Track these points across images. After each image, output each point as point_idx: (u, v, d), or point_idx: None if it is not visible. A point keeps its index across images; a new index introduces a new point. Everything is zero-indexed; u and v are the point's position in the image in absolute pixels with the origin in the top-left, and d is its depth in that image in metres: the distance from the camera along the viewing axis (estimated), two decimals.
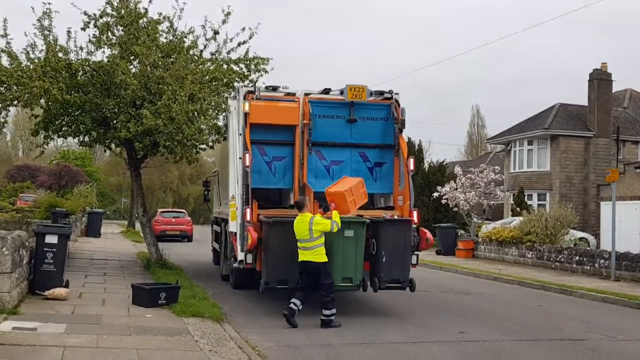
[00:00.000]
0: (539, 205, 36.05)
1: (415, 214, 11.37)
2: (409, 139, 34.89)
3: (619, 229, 31.41)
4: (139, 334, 8.12)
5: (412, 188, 11.61)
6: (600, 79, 36.97)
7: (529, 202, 35.52)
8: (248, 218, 10.83)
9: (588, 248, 21.94)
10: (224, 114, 14.89)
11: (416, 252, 11.21)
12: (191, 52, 15.60)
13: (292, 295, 9.91)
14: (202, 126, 14.09)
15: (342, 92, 11.89)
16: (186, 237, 31.28)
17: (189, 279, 13.85)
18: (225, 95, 14.85)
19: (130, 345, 7.53)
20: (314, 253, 9.76)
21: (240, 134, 11.72)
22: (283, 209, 11.87)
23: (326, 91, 12.07)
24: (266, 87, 12.04)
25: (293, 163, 11.94)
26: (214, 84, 14.98)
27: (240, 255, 11.30)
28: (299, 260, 9.87)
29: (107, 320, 8.84)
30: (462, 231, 27.85)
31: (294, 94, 12.09)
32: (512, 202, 35.84)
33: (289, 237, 10.22)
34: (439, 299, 13.37)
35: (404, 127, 12.12)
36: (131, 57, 14.92)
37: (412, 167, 11.68)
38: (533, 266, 21.59)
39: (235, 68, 15.63)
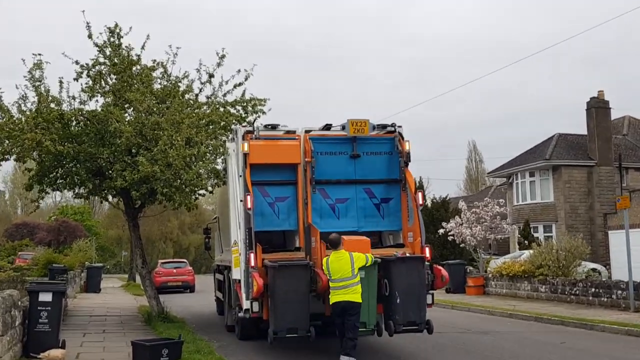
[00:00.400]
0: (545, 237, 35.43)
1: (427, 250, 10.82)
2: None
3: (632, 258, 30.91)
4: None
5: (422, 223, 11.08)
6: (598, 107, 36.80)
7: (535, 235, 34.91)
8: (252, 263, 10.26)
9: (603, 279, 21.23)
10: (222, 157, 14.48)
11: (431, 291, 10.61)
12: (186, 96, 15.28)
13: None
14: (200, 170, 13.63)
15: (343, 128, 11.48)
16: (188, 287, 30.51)
17: (192, 332, 13.19)
18: (223, 138, 14.45)
19: None
20: (354, 292, 9.30)
21: (240, 176, 11.26)
22: (288, 251, 11.32)
23: (327, 127, 11.65)
24: (265, 126, 11.63)
25: (297, 203, 11.44)
26: (210, 127, 14.59)
27: (246, 304, 10.70)
28: (337, 301, 9.29)
29: None
30: (470, 267, 27.17)
31: (294, 132, 11.67)
32: (519, 235, 35.24)
33: (297, 282, 9.66)
34: (457, 340, 12.68)
35: (410, 161, 11.65)
36: (125, 105, 14.59)
37: (421, 201, 11.17)
38: (547, 300, 20.87)
39: (232, 110, 15.28)
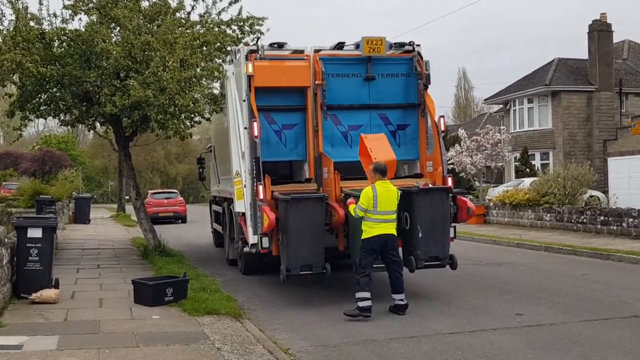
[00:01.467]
0: (542, 164, 34.89)
1: (450, 180, 10.00)
2: None
3: (629, 185, 30.50)
4: (148, 344, 6.71)
5: (444, 152, 10.21)
6: (600, 30, 35.58)
7: (532, 162, 34.34)
8: (261, 196, 9.38)
9: (609, 206, 20.68)
10: (218, 82, 13.37)
11: (453, 225, 9.84)
12: (177, 14, 13.99)
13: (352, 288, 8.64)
14: (196, 95, 12.53)
15: (357, 47, 10.40)
16: (180, 218, 29.82)
17: (193, 267, 12.45)
18: (218, 60, 13.29)
19: None
20: (394, 226, 8.57)
21: (244, 101, 10.24)
22: (298, 183, 10.45)
23: (339, 46, 10.56)
24: (270, 45, 10.50)
25: (306, 131, 10.49)
26: (205, 48, 13.38)
27: (253, 239, 9.92)
28: (381, 233, 8.40)
29: (107, 327, 7.42)
30: (470, 196, 26.58)
31: (302, 51, 10.59)
32: (516, 163, 34.63)
33: (312, 216, 8.85)
34: (472, 273, 12.06)
35: (429, 83, 10.66)
36: (111, 24, 13.31)
37: (442, 127, 10.26)
38: (552, 229, 20.39)
39: (227, 31, 14.03)
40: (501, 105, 40.55)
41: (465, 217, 9.89)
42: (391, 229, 8.50)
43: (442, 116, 10.27)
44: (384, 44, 10.33)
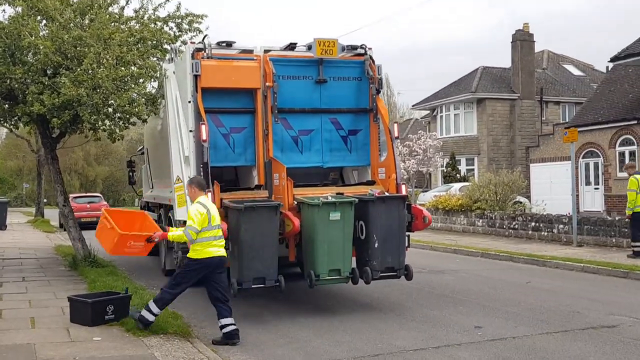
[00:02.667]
0: (467, 170, 35.64)
1: (403, 188, 9.75)
2: None
3: (551, 191, 31.56)
4: None
5: (398, 159, 9.95)
6: (523, 40, 36.76)
7: (458, 168, 35.00)
8: None
9: (540, 212, 21.16)
10: (154, 82, 12.66)
11: (407, 234, 9.59)
12: (110, 9, 13.16)
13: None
14: (133, 95, 11.76)
15: (309, 48, 9.98)
16: None
17: (129, 279, 11.67)
18: (154, 59, 12.56)
19: None
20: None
21: (190, 102, 9.64)
22: (247, 190, 9.91)
23: (291, 47, 10.11)
24: (218, 44, 9.91)
25: (255, 134, 9.98)
26: (139, 46, 12.61)
27: None
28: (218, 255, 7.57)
29: (45, 353, 6.65)
30: None
31: (251, 51, 10.08)
32: (442, 169, 35.20)
33: (266, 226, 8.36)
34: (419, 281, 11.85)
35: (382, 88, 10.40)
36: (38, 17, 12.33)
37: (396, 133, 10.01)
38: (484, 234, 20.68)
39: (165, 28, 13.31)
40: (428, 111, 41.21)
41: (421, 226, 9.66)
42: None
43: (396, 122, 10.01)
44: (336, 46, 9.97)
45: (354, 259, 9.17)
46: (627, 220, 14.99)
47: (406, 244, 9.41)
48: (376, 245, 8.88)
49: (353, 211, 8.79)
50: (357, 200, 8.85)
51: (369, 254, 8.93)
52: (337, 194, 9.34)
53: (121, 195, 65.47)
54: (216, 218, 7.59)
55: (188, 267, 7.65)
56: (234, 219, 8.52)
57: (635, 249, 14.09)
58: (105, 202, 30.32)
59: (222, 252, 7.62)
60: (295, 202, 9.07)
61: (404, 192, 9.65)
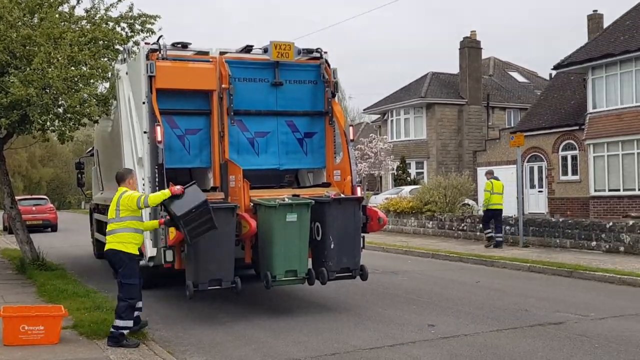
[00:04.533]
0: (417, 173, 36.21)
1: (359, 190, 9.90)
2: None
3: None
4: None
5: (354, 161, 10.10)
6: (470, 47, 37.58)
7: (408, 171, 35.51)
8: None
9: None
10: (105, 82, 12.50)
11: (363, 235, 9.73)
12: (61, 8, 12.92)
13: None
14: (84, 95, 11.57)
15: (265, 51, 10.03)
16: (50, 226, 27.83)
17: (79, 283, 11.46)
18: (104, 59, 12.40)
19: None
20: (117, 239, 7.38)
21: (144, 103, 9.56)
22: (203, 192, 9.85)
23: (247, 49, 10.14)
24: (173, 45, 9.85)
25: (211, 136, 9.97)
26: (90, 46, 12.41)
27: (152, 252, 9.30)
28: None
29: None
30: None
31: (207, 53, 10.06)
32: (393, 172, 35.65)
33: (222, 228, 8.34)
34: (373, 282, 11.97)
35: (337, 91, 10.53)
36: None
37: (352, 136, 10.15)
38: (434, 236, 21.10)
39: (117, 28, 13.14)
40: (379, 116, 41.69)
41: (376, 227, 9.82)
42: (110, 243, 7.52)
43: (352, 125, 10.16)
44: (292, 49, 10.05)
45: (309, 260, 9.26)
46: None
47: (361, 245, 9.55)
48: (332, 246, 8.99)
49: (310, 213, 8.88)
50: (313, 202, 8.95)
51: (325, 254, 9.03)
52: (294, 195, 9.43)
53: (66, 198, 63.92)
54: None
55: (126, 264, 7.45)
56: None
57: (487, 235, 17.62)
58: (52, 205, 29.63)
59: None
60: (252, 204, 9.11)
61: (359, 194, 9.80)
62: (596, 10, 33.18)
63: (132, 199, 7.30)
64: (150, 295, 10.76)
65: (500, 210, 17.46)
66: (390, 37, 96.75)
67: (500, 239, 17.27)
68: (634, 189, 24.13)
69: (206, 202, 7.77)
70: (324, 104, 10.48)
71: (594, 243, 15.84)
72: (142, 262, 9.82)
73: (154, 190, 9.17)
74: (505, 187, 31.31)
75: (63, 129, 12.37)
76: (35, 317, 7.15)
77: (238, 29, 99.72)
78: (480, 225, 18.66)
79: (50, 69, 10.79)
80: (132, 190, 7.51)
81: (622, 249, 15.16)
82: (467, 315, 9.02)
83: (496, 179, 17.87)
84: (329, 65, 10.47)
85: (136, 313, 7.55)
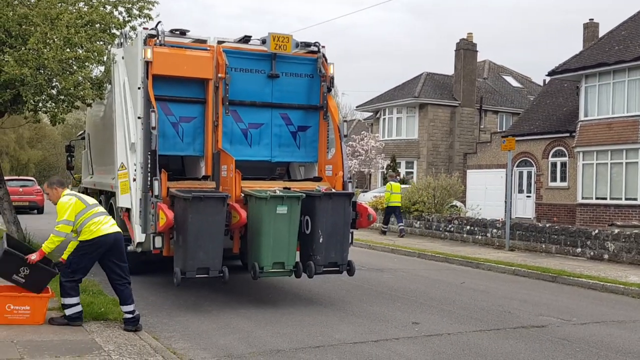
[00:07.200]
0: (407, 172, 36.30)
1: (350, 185, 9.94)
2: None
3: (485, 197, 32.56)
4: (34, 355, 5.95)
5: (345, 156, 10.13)
6: (466, 49, 37.66)
7: (398, 170, 35.61)
8: (157, 192, 8.76)
9: (475, 217, 21.82)
10: (99, 66, 12.45)
11: (352, 230, 9.78)
12: None
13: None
14: (79, 78, 11.52)
15: (264, 42, 10.04)
16: (36, 208, 27.72)
17: None
18: (100, 43, 12.34)
19: None
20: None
21: (139, 88, 9.54)
22: (194, 180, 9.89)
23: (245, 40, 10.15)
24: (171, 31, 9.84)
25: (205, 125, 9.97)
26: (87, 28, 12.35)
27: (141, 237, 9.31)
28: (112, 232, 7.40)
29: None
30: None
31: (205, 41, 10.04)
32: (382, 170, 35.74)
33: (212, 217, 8.38)
34: (359, 279, 12.03)
35: (333, 86, 10.55)
36: None
37: (345, 131, 10.19)
38: (422, 236, 21.18)
39: (114, 12, 13.08)
40: (371, 113, 41.74)
41: (365, 224, 9.87)
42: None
43: (346, 120, 10.19)
44: (290, 41, 10.06)
45: (298, 253, 9.30)
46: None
47: (350, 241, 9.59)
48: (321, 240, 9.03)
49: (300, 206, 8.91)
50: (304, 195, 8.98)
51: (314, 248, 9.07)
52: (285, 188, 9.45)
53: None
54: (90, 198, 7.59)
55: (79, 251, 7.36)
56: (180, 208, 8.50)
57: (384, 229, 21.24)
58: (39, 187, 29.45)
59: (115, 228, 7.42)
60: (243, 195, 9.12)
61: (350, 190, 9.84)
62: (592, 19, 33.37)
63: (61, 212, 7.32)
64: (137, 281, 10.73)
65: (399, 207, 21.02)
66: (384, 36, 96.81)
67: (403, 227, 20.66)
68: (621, 198, 24.35)
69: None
70: (319, 99, 10.51)
71: (579, 249, 15.98)
72: (130, 248, 9.88)
73: (145, 176, 9.19)
74: (494, 191, 31.68)
75: (56, 110, 12.31)
76: (21, 297, 7.15)
77: (229, 21, 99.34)
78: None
79: (45, 50, 10.72)
80: (66, 201, 7.35)
81: (606, 256, 15.30)
82: (451, 315, 9.09)
83: (396, 181, 21.72)
84: (326, 59, 10.48)
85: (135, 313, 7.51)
